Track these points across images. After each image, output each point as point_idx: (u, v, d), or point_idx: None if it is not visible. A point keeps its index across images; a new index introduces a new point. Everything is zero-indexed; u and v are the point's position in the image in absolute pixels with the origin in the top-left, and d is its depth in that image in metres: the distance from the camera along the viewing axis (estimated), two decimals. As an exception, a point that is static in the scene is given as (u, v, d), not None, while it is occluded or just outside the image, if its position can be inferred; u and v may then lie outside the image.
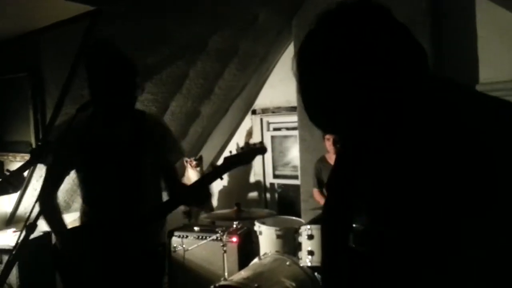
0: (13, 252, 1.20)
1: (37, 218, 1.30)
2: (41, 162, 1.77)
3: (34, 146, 2.61)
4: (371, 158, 0.91)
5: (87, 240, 1.64)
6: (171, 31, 2.78)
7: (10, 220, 3.17)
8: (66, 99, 2.57)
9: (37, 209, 1.43)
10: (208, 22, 3.01)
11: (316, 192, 3.41)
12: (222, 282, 2.42)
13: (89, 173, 1.71)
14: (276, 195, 4.54)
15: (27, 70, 2.50)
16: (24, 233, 1.25)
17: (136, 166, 1.67)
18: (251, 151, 1.75)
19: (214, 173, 1.70)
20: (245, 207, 3.03)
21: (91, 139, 1.64)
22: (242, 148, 1.78)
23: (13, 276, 2.82)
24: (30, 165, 1.75)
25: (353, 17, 0.71)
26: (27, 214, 3.28)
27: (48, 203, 1.67)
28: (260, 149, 1.76)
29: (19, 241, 1.23)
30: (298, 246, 2.80)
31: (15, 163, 2.85)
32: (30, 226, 1.14)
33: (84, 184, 1.74)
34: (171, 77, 3.19)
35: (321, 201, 3.27)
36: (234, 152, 1.77)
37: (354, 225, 1.23)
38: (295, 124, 3.87)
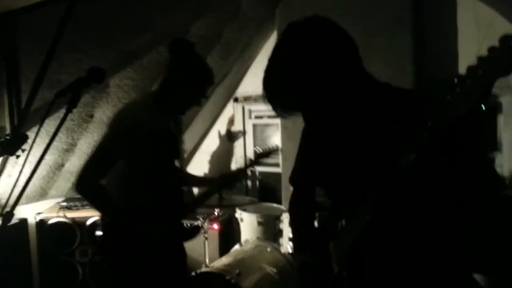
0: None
1: (14, 206, 1.28)
2: (10, 154, 1.72)
3: (8, 132, 2.53)
4: (323, 133, 1.15)
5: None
6: (153, 17, 2.73)
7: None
8: (42, 84, 2.50)
9: (14, 196, 1.39)
10: (190, 9, 2.96)
11: None
12: (203, 269, 2.44)
13: (151, 161, 1.65)
14: (257, 183, 4.57)
15: (1, 52, 2.40)
16: (0, 221, 1.22)
17: (179, 155, 1.83)
18: (270, 151, 2.21)
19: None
20: (227, 194, 3.05)
21: (156, 128, 1.65)
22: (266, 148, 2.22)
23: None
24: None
25: (308, 28, 0.99)
26: (3, 202, 3.20)
27: (99, 191, 1.61)
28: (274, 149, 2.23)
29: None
30: (279, 233, 2.85)
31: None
32: (7, 215, 1.12)
33: (138, 172, 1.67)
34: (152, 62, 3.14)
35: None
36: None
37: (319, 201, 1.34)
38: (277, 113, 3.89)
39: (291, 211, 1.45)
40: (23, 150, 1.65)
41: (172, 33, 3.05)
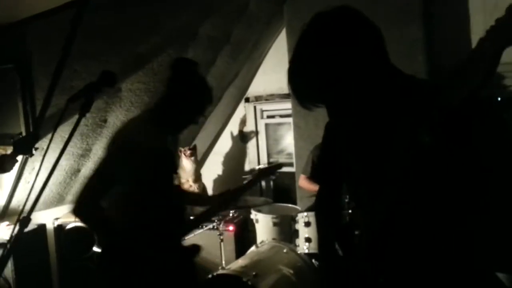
0: (8, 246, 1.17)
1: (30, 211, 1.28)
2: (25, 154, 1.73)
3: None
4: (350, 127, 1.11)
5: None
6: (161, 19, 2.73)
7: (3, 214, 3.13)
8: (56, 90, 2.53)
9: (30, 202, 1.39)
10: (197, 10, 2.95)
11: (302, 178, 3.33)
12: (220, 271, 2.43)
13: (149, 179, 1.60)
14: (271, 183, 4.54)
15: (15, 61, 2.43)
16: (18, 226, 1.22)
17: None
18: (274, 167, 2.21)
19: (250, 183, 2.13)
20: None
21: (154, 145, 1.61)
22: (270, 163, 2.08)
23: (8, 270, 2.81)
24: (14, 156, 1.72)
25: (337, 18, 0.97)
26: (20, 208, 3.25)
27: (99, 216, 1.57)
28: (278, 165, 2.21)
29: (13, 234, 1.20)
30: (295, 233, 2.81)
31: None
32: (24, 220, 1.12)
33: (137, 190, 1.61)
34: (163, 65, 3.15)
35: (308, 187, 3.24)
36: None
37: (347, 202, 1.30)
38: (289, 112, 3.85)
39: (317, 210, 1.41)
40: (36, 149, 1.65)
41: (180, 35, 3.06)
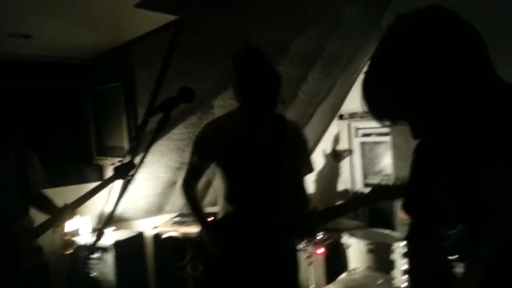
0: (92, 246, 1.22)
1: (105, 225, 1.33)
2: (122, 178, 1.90)
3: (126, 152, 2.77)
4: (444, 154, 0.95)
5: (229, 235, 1.71)
6: (251, 35, 2.75)
7: (110, 219, 3.42)
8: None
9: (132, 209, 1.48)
10: (290, 24, 2.92)
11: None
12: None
13: (229, 171, 1.74)
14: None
15: (120, 79, 2.68)
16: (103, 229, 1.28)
17: (275, 170, 1.70)
18: (401, 189, 1.64)
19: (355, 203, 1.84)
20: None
21: (233, 138, 1.71)
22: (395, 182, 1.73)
23: (111, 272, 3.03)
24: (113, 180, 1.88)
25: (425, 21, 0.80)
26: (124, 215, 3.49)
27: (190, 193, 1.81)
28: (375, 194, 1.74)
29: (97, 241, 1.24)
30: (392, 264, 2.51)
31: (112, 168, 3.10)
32: (99, 233, 1.15)
33: (224, 181, 1.76)
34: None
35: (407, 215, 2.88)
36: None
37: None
38: (386, 130, 3.54)
39: (409, 245, 1.21)
40: (131, 176, 1.78)
41: (270, 51, 3.05)
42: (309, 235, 1.93)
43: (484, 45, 0.80)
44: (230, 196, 1.74)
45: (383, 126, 0.87)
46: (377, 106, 0.84)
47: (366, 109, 0.85)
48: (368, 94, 0.84)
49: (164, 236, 3.40)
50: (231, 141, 1.70)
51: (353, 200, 1.93)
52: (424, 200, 1.10)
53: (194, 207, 1.82)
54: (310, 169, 1.89)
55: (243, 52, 1.71)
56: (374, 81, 0.84)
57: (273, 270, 1.70)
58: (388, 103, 0.83)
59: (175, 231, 3.37)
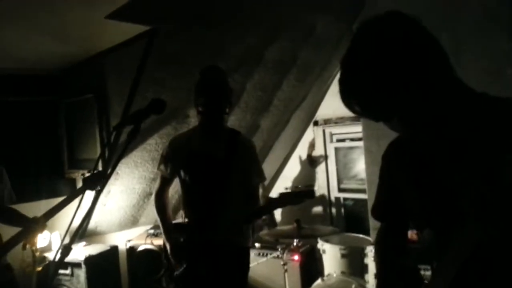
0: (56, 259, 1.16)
1: (71, 241, 1.28)
2: (90, 189, 1.87)
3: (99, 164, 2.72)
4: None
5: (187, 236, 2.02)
6: (226, 45, 2.77)
7: (83, 234, 3.35)
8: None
9: (86, 223, 1.46)
10: (263, 33, 2.95)
11: None
12: (283, 304, 2.28)
13: (188, 179, 2.00)
14: (343, 210, 4.29)
15: (93, 91, 2.64)
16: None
17: (227, 179, 1.95)
18: (303, 193, 2.10)
19: (268, 206, 2.22)
20: (310, 223, 2.87)
21: (192, 150, 2.00)
22: (297, 187, 2.12)
23: (82, 285, 2.97)
24: (83, 191, 1.84)
25: (386, 28, 0.86)
26: (98, 228, 3.41)
27: (160, 201, 2.11)
28: (309, 192, 2.08)
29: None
30: (365, 268, 2.56)
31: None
32: (65, 249, 1.12)
33: (183, 188, 2.06)
34: (229, 91, 3.18)
35: None
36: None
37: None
38: (360, 135, 3.63)
39: (377, 248, 1.25)
40: (101, 186, 1.74)
41: (246, 60, 3.08)
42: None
43: (443, 52, 0.87)
44: (188, 202, 2.05)
45: (357, 116, 0.95)
46: (350, 98, 0.91)
47: (342, 99, 0.92)
48: (344, 90, 0.91)
49: (139, 249, 3.35)
50: (191, 153, 1.98)
51: (267, 204, 2.23)
52: (391, 205, 1.13)
53: (162, 216, 2.10)
54: (262, 178, 2.17)
55: (204, 68, 2.02)
56: (348, 80, 0.90)
57: (224, 265, 1.96)
58: (362, 97, 0.89)
59: (150, 243, 3.33)
